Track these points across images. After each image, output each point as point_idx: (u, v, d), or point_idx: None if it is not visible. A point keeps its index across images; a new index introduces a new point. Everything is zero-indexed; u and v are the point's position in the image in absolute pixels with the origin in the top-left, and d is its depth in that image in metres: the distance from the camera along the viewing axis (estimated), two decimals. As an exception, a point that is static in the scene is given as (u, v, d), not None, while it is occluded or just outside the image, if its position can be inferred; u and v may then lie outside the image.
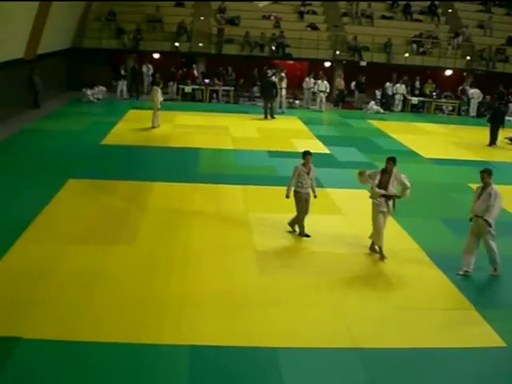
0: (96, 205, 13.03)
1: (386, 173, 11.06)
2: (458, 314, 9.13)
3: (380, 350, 7.94)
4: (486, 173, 10.49)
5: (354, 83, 31.52)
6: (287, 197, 11.75)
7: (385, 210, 11.01)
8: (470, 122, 29.55)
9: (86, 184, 14.52)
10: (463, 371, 7.65)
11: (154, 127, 22.13)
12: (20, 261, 9.94)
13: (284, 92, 28.49)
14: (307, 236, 11.87)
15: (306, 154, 11.91)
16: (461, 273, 10.46)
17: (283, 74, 28.63)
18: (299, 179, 11.71)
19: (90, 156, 17.35)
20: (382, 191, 10.93)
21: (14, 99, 22.67)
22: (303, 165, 11.82)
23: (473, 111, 31.02)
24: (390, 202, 11.01)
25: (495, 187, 10.42)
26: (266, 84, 27.09)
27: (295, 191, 11.73)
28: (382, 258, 10.98)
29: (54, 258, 10.09)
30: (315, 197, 11.96)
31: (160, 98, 22.32)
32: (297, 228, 12.03)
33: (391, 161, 11.02)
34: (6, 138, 18.96)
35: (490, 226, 10.29)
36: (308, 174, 11.74)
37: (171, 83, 30.28)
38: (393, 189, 10.99)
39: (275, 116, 26.21)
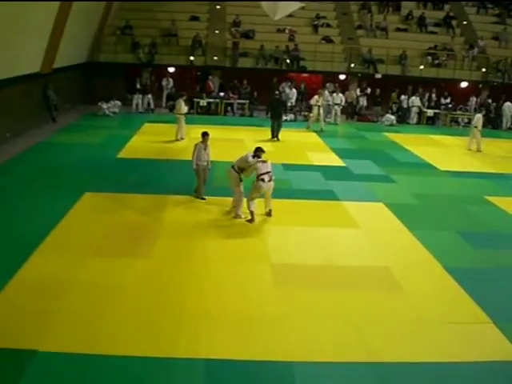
0: (112, 218, 13.07)
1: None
2: (475, 328, 9.00)
3: (396, 365, 7.86)
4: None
5: (365, 97, 31.41)
6: (195, 169, 14.57)
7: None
8: (485, 133, 29.30)
9: (102, 197, 14.57)
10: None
11: (177, 140, 22.42)
12: (36, 273, 9.97)
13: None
14: (203, 199, 14.62)
15: (204, 134, 14.77)
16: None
17: (287, 89, 28.56)
18: (199, 154, 14.48)
19: (105, 169, 17.42)
20: None
21: (31, 113, 22.86)
22: (202, 142, 14.63)
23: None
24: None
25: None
26: (273, 102, 25.22)
27: (196, 164, 14.49)
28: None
29: (70, 271, 10.12)
30: (209, 169, 14.92)
31: (184, 109, 22.80)
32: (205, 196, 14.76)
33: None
34: (23, 152, 19.10)
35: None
36: (205, 149, 14.64)
37: (135, 96, 29.41)
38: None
39: (279, 137, 24.13)
